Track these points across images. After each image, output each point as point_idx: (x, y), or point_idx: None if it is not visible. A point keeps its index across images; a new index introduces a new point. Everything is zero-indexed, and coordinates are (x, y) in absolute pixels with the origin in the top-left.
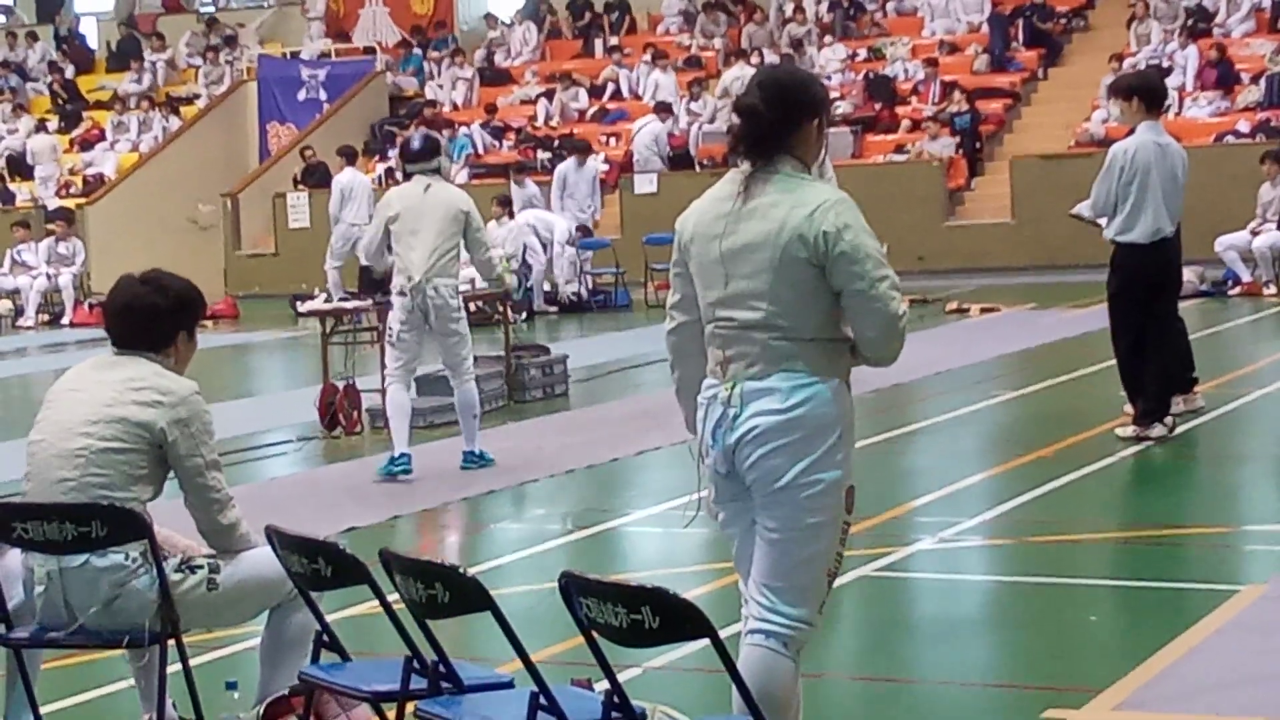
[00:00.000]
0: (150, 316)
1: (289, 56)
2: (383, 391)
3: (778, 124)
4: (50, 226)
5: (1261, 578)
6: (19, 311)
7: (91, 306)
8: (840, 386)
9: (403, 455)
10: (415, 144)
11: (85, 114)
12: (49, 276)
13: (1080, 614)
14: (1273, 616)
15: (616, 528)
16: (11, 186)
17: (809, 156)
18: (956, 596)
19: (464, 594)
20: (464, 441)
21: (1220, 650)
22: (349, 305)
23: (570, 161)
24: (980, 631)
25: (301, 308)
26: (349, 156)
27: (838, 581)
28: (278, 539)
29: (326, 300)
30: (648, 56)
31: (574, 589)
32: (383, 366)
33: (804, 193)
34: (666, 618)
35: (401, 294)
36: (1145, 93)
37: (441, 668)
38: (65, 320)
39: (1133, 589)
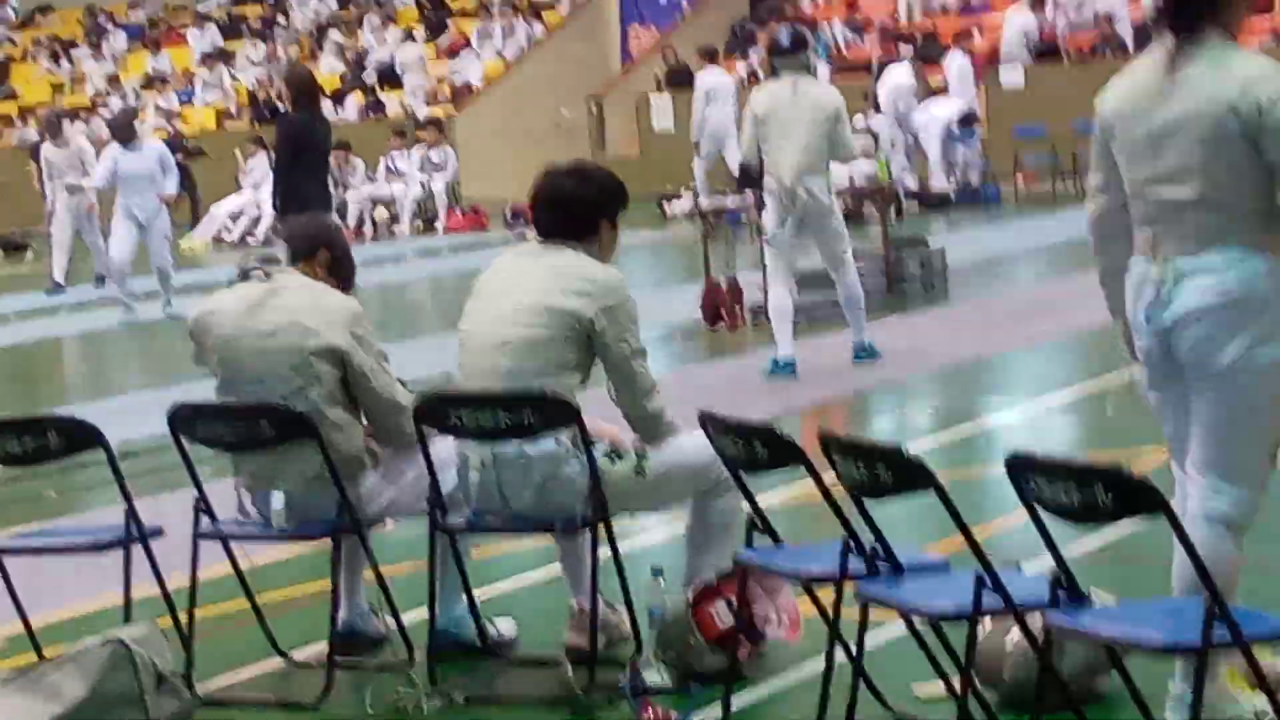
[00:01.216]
0: (575, 206)
1: None
2: (764, 288)
3: None
4: (421, 135)
5: None
6: (394, 218)
7: (464, 212)
8: (1277, 261)
9: (788, 360)
10: (783, 40)
11: (450, 23)
12: (423, 184)
13: None
14: None
15: (1009, 420)
16: (382, 97)
17: (1235, 25)
18: None
19: (908, 474)
20: (853, 334)
21: None
22: (728, 204)
23: (958, 55)
24: None
25: (671, 208)
26: (711, 56)
27: None
28: (711, 422)
29: (695, 199)
30: None
31: (1023, 467)
32: (763, 267)
33: (1234, 64)
34: (1121, 496)
35: (772, 194)
36: None
37: (880, 549)
38: (438, 226)
39: None
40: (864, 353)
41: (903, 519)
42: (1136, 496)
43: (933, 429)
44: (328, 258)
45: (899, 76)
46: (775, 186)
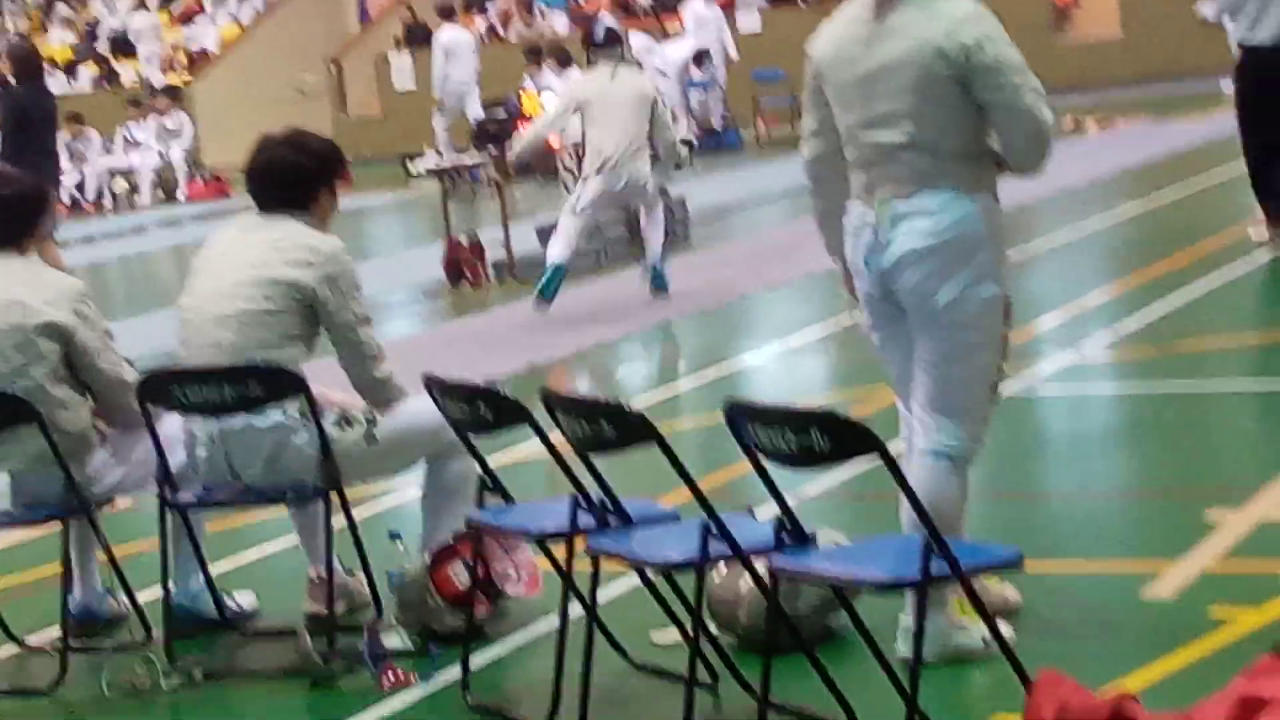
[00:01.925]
0: (293, 176)
1: None
2: (505, 245)
3: None
4: (153, 103)
5: None
6: (134, 189)
7: (205, 180)
8: (989, 201)
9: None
10: (599, 35)
11: None
12: (160, 153)
13: (1227, 419)
14: None
15: (752, 363)
16: (116, 67)
17: None
18: (1100, 410)
19: (629, 429)
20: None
21: None
22: (467, 161)
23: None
24: (1130, 442)
25: (414, 167)
26: (447, 13)
27: None
28: (436, 387)
29: (437, 158)
30: None
31: (741, 416)
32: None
33: (940, 8)
34: (836, 439)
35: (598, 174)
36: None
37: (609, 503)
38: (180, 195)
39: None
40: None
41: (644, 469)
42: (852, 439)
43: (677, 376)
44: (47, 228)
45: (607, 22)
46: (600, 166)
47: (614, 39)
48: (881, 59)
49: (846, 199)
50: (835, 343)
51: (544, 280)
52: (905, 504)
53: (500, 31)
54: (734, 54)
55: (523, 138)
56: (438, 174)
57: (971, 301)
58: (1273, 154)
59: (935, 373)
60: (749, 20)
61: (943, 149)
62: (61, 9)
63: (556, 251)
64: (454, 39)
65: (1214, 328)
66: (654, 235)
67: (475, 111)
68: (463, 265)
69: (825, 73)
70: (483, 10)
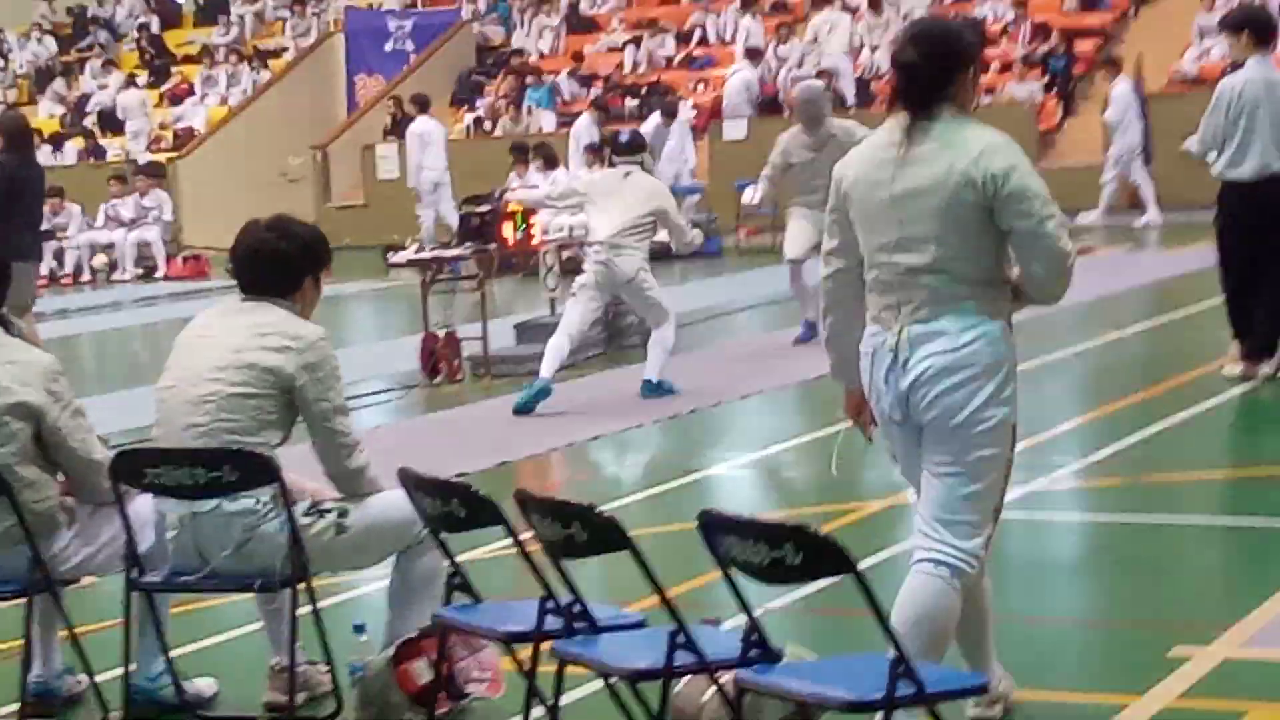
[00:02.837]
0: (278, 262)
1: (375, 8)
2: (483, 339)
3: (936, 76)
4: (135, 181)
5: None
6: (113, 266)
7: (185, 260)
8: (1006, 327)
9: (543, 384)
10: (624, 139)
11: (174, 68)
12: (139, 231)
13: (1196, 553)
14: None
15: (726, 471)
16: (103, 142)
17: (966, 101)
18: (1067, 537)
19: (601, 533)
20: (646, 369)
21: None
22: (448, 254)
23: (655, 117)
24: (1097, 571)
25: (395, 258)
26: (422, 105)
27: None
28: (410, 481)
29: (419, 249)
30: (736, 3)
31: (714, 527)
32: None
33: (967, 136)
34: (808, 554)
35: (589, 258)
36: (1255, 26)
37: (577, 607)
38: (159, 274)
39: (1249, 528)
40: (651, 389)
41: (614, 573)
42: (826, 556)
43: (651, 482)
44: (24, 299)
45: (579, 127)
46: (592, 252)
47: (639, 145)
48: (910, 184)
49: (860, 321)
50: (814, 454)
51: (526, 396)
52: (898, 613)
53: (488, 127)
54: (692, 163)
55: (530, 195)
56: (418, 264)
57: (988, 420)
58: (1250, 287)
59: (945, 487)
60: (735, 128)
61: (964, 273)
62: (54, 79)
63: (545, 369)
64: (425, 129)
65: (1184, 461)
66: (655, 351)
67: (448, 208)
68: (439, 359)
69: (852, 195)
70: (472, 105)
